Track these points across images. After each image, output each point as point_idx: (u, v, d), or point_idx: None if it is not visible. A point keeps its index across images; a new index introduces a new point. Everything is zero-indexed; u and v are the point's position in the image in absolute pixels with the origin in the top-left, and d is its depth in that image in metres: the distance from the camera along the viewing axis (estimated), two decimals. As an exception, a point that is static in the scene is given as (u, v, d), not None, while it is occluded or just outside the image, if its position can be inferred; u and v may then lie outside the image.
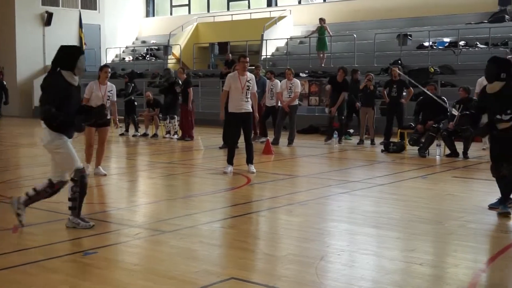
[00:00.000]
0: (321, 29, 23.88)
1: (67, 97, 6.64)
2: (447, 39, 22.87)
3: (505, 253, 6.04)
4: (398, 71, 15.73)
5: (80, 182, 6.78)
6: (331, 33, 24.04)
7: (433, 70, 20.43)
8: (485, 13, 23.94)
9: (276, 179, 10.62)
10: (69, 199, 6.88)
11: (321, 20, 23.97)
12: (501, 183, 7.79)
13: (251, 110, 11.16)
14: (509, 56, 18.71)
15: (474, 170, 11.92)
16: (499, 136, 7.62)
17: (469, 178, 10.92)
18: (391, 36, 23.77)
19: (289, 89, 16.03)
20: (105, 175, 10.73)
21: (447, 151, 13.56)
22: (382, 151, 14.37)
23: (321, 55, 24.17)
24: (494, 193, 9.21)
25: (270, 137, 15.55)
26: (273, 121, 16.38)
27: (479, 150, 14.46)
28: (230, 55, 24.87)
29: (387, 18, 25.85)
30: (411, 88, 15.94)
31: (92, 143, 10.90)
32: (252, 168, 11.13)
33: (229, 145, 11.39)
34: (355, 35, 24.01)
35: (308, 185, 9.98)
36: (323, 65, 23.81)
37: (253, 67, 16.69)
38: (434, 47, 22.71)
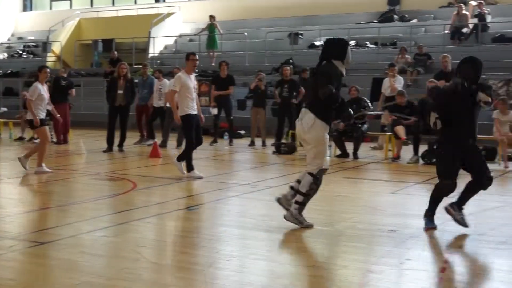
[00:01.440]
0: (211, 27, 23.75)
1: (338, 87, 6.94)
2: (338, 38, 23.24)
3: (392, 253, 6.05)
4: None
5: (319, 182, 7.00)
6: (221, 31, 23.94)
7: (323, 70, 20.68)
8: (375, 13, 24.62)
9: (164, 183, 10.31)
10: (302, 194, 7.01)
11: (211, 17, 23.85)
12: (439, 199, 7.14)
13: (196, 112, 10.66)
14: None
15: (364, 170, 12.12)
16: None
17: (359, 179, 11.07)
18: (282, 35, 23.96)
19: (178, 89, 15.68)
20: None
21: (338, 152, 13.70)
22: (274, 152, 14.35)
23: (211, 53, 24.02)
24: (383, 193, 9.40)
25: (158, 139, 15.15)
26: (161, 123, 15.98)
27: (369, 150, 14.75)
28: (115, 52, 24.25)
29: (278, 17, 26.05)
30: (302, 88, 16.03)
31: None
32: (197, 172, 10.68)
33: (187, 148, 10.65)
34: (246, 34, 24.04)
35: (197, 189, 9.79)
36: (213, 64, 23.63)
37: (140, 66, 16.28)
38: (325, 46, 23.03)
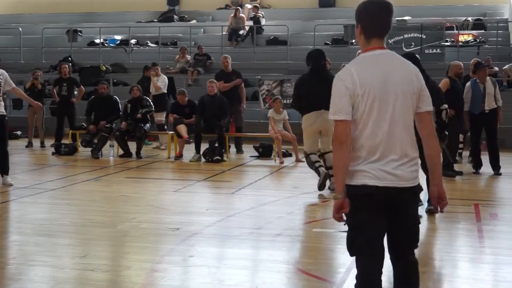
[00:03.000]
0: (-19, 21, 22.26)
1: None
2: (118, 37, 23.01)
3: (175, 250, 6.15)
4: None
5: None
6: (-8, 25, 22.58)
7: (104, 68, 20.37)
8: (155, 12, 24.72)
9: None
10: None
11: (-18, 11, 22.35)
12: None
13: (5, 113, 9.65)
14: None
15: (147, 169, 12.12)
16: None
17: (142, 178, 11.05)
18: (60, 32, 23.13)
19: None
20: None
21: (121, 152, 13.55)
22: (53, 153, 13.81)
23: (-17, 49, 22.51)
24: (166, 192, 9.49)
25: None
26: None
27: (152, 149, 14.82)
28: None
29: (55, 12, 25.13)
30: (82, 86, 15.62)
31: None
32: (9, 179, 9.71)
33: None
34: (20, 29, 22.81)
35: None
36: (-15, 60, 22.13)
37: None
38: (106, 44, 22.67)
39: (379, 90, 3.51)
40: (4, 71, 9.90)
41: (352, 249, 3.58)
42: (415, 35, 19.00)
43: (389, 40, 18.79)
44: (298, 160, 12.76)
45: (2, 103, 9.70)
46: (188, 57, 20.38)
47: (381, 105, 3.50)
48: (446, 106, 8.32)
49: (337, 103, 3.53)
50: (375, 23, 3.61)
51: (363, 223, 3.51)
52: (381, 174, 3.49)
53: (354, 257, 3.58)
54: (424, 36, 18.90)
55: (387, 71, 3.56)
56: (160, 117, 15.03)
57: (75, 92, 15.36)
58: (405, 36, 19.02)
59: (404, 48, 18.62)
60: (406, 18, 20.55)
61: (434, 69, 17.50)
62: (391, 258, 3.68)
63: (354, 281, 3.55)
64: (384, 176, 3.48)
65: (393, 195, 3.50)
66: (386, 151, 3.50)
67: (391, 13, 3.63)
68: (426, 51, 18.74)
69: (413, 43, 18.85)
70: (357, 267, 3.59)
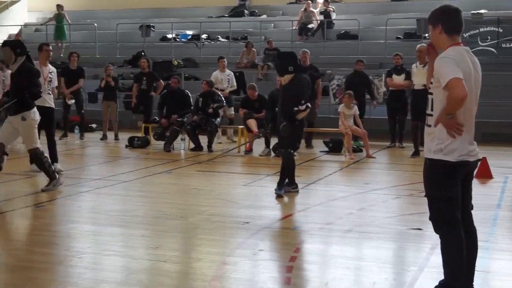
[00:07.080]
0: (58, 17, 22.96)
1: None
2: (190, 32, 23.29)
3: (245, 244, 6.18)
4: None
5: None
6: (69, 21, 23.19)
7: (176, 63, 20.64)
8: (226, 7, 24.87)
9: (9, 179, 9.76)
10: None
11: (59, 6, 23.03)
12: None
13: (53, 105, 10.29)
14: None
15: (218, 163, 12.21)
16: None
17: (213, 172, 11.15)
18: (133, 27, 23.59)
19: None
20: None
21: (192, 145, 13.72)
22: (127, 146, 14.10)
23: (60, 44, 23.18)
24: (236, 186, 9.55)
25: None
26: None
27: (225, 143, 14.93)
28: None
29: (129, 8, 25.64)
30: (161, 80, 15.88)
31: None
32: (59, 166, 10.16)
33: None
34: (96, 24, 23.40)
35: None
36: (62, 55, 22.78)
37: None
38: (177, 39, 22.99)
39: (469, 79, 4.18)
40: (54, 69, 10.52)
41: (449, 220, 4.16)
42: (491, 28, 18.42)
43: (464, 34, 18.29)
44: (368, 156, 12.61)
45: (52, 97, 10.22)
46: (254, 50, 20.32)
47: (469, 91, 4.10)
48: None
49: (450, 68, 4.07)
50: (455, 23, 4.36)
51: (457, 194, 4.18)
52: (473, 151, 4.24)
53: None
54: (501, 30, 18.30)
55: (471, 64, 4.28)
56: (230, 111, 15.36)
57: (154, 85, 15.67)
58: (481, 30, 18.47)
59: (479, 42, 18.12)
60: (482, 11, 19.94)
61: (511, 63, 17.02)
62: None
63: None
64: (474, 153, 4.25)
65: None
66: (471, 130, 4.26)
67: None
68: (503, 45, 18.15)
69: (489, 37, 18.29)
70: (450, 238, 4.15)
